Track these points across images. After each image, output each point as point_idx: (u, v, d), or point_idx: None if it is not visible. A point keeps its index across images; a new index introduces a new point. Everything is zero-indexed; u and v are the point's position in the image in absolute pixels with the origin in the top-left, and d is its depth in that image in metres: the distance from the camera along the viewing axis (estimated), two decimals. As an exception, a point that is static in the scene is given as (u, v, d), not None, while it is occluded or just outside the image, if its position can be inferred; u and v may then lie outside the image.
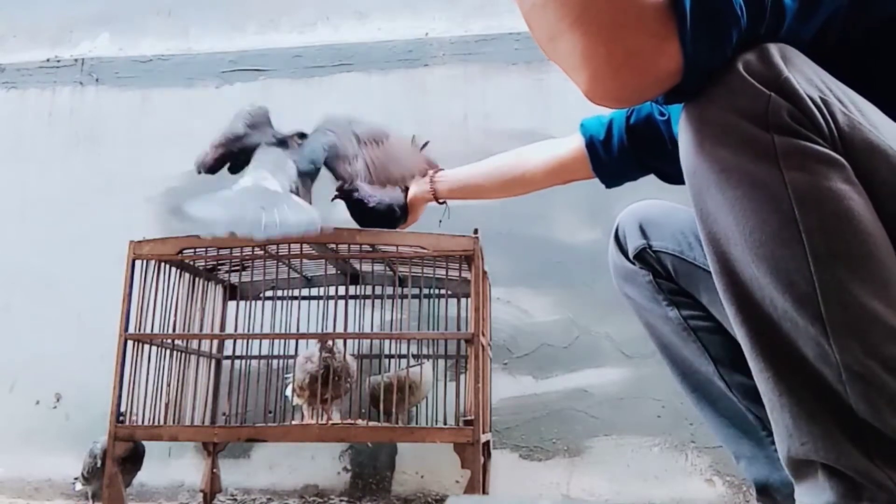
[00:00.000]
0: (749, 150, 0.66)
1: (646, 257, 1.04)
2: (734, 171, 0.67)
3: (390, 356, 1.85)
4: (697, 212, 0.72)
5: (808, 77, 0.67)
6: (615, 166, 1.27)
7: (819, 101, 0.65)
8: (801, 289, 0.64)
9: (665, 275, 1.04)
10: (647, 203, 1.11)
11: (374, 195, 1.52)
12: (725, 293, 0.70)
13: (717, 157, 0.68)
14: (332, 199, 1.55)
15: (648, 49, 0.66)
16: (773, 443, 0.97)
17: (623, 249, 1.10)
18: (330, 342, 1.66)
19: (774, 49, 0.67)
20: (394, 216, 1.54)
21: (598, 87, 0.68)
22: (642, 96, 0.72)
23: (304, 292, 1.97)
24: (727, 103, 0.67)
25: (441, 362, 1.92)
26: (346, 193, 1.55)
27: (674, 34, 0.65)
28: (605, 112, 1.28)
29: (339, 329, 1.64)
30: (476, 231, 1.61)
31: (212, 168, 1.44)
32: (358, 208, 1.55)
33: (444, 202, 1.54)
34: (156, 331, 1.66)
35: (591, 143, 1.26)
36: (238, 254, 1.70)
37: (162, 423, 1.64)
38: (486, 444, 1.78)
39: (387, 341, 1.83)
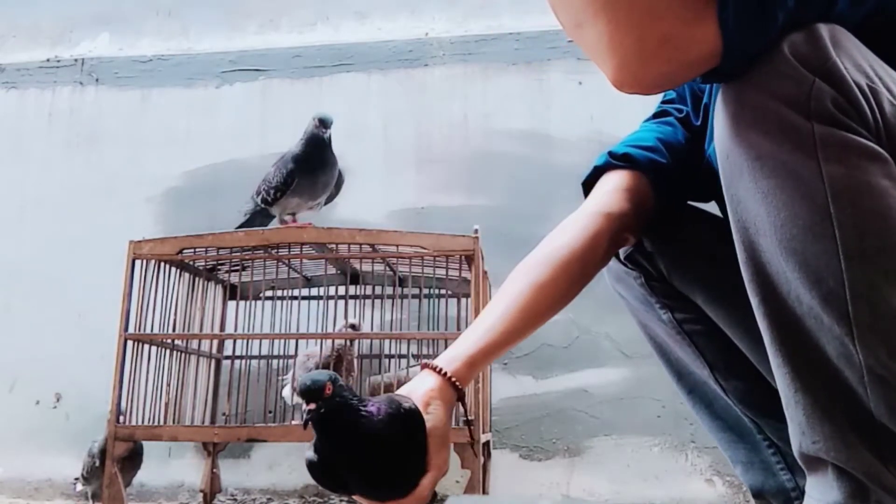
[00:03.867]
0: (786, 138, 0.62)
1: (637, 259, 1.01)
2: (769, 159, 0.64)
3: (390, 356, 1.85)
4: (728, 198, 0.69)
5: (856, 62, 0.63)
6: (682, 167, 0.98)
7: (867, 88, 0.62)
8: (829, 286, 0.62)
9: (658, 276, 1.01)
10: None
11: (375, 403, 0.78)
12: (750, 283, 0.68)
13: (753, 143, 0.64)
14: (304, 425, 0.77)
15: (682, 36, 0.63)
16: (769, 447, 0.96)
17: None
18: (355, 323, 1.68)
19: (824, 30, 0.63)
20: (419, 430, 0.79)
21: (627, 75, 0.65)
22: (674, 82, 0.70)
23: (304, 292, 1.97)
24: (768, 86, 0.63)
25: (441, 362, 1.91)
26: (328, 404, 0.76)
27: (711, 18, 0.62)
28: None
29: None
30: (476, 231, 1.60)
31: None
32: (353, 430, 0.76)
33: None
34: (156, 331, 1.66)
35: (648, 161, 0.97)
36: (238, 254, 1.70)
37: (162, 423, 1.64)
38: (486, 444, 1.78)
39: (387, 341, 1.83)
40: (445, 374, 0.82)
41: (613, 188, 0.95)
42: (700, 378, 1.01)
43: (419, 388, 0.81)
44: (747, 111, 0.65)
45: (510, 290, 0.89)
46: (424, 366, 0.84)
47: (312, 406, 0.74)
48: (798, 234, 0.63)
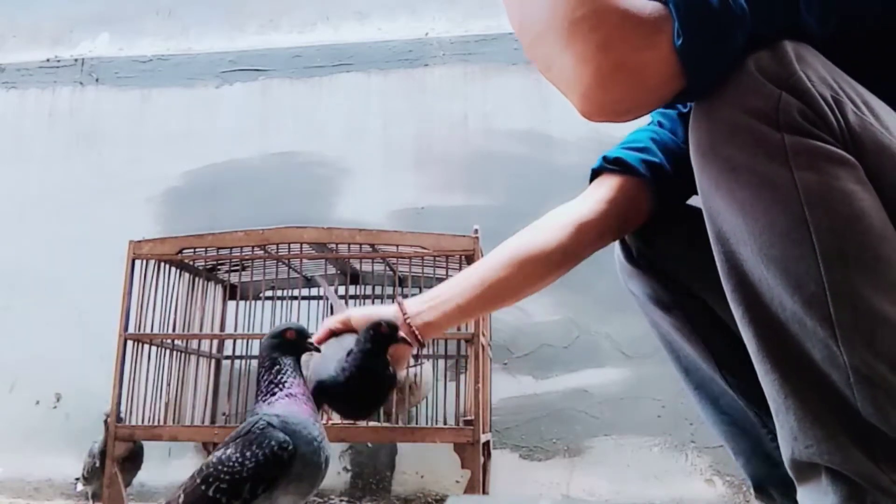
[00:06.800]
0: (759, 149, 0.65)
1: (647, 257, 1.04)
2: (743, 170, 0.66)
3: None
4: (706, 211, 0.71)
5: (820, 75, 0.66)
6: (682, 163, 0.96)
7: (831, 100, 0.65)
8: (810, 290, 0.63)
9: (666, 273, 1.04)
10: None
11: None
12: (733, 294, 0.70)
13: (727, 156, 0.67)
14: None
15: (634, 61, 0.66)
16: (772, 440, 0.97)
17: (627, 246, 1.10)
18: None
19: (789, 46, 0.66)
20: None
21: (591, 103, 0.69)
22: (644, 107, 0.72)
23: (304, 292, 1.97)
24: (737, 102, 0.66)
25: (441, 362, 1.92)
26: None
27: (664, 43, 0.65)
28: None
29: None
30: (476, 231, 1.61)
31: None
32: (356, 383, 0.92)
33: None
34: (156, 331, 1.66)
35: (639, 163, 1.00)
36: (238, 254, 1.70)
37: (162, 423, 1.64)
38: (486, 444, 1.78)
39: (387, 341, 1.83)
40: (412, 327, 0.96)
41: (599, 197, 1.02)
42: (707, 374, 1.03)
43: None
44: (719, 126, 0.68)
45: (483, 275, 1.00)
46: (400, 308, 0.98)
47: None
48: (776, 241, 0.65)
